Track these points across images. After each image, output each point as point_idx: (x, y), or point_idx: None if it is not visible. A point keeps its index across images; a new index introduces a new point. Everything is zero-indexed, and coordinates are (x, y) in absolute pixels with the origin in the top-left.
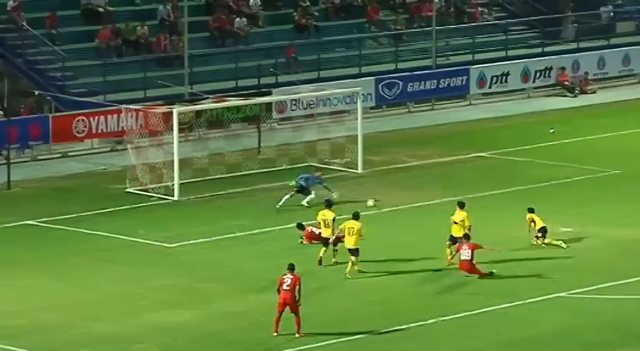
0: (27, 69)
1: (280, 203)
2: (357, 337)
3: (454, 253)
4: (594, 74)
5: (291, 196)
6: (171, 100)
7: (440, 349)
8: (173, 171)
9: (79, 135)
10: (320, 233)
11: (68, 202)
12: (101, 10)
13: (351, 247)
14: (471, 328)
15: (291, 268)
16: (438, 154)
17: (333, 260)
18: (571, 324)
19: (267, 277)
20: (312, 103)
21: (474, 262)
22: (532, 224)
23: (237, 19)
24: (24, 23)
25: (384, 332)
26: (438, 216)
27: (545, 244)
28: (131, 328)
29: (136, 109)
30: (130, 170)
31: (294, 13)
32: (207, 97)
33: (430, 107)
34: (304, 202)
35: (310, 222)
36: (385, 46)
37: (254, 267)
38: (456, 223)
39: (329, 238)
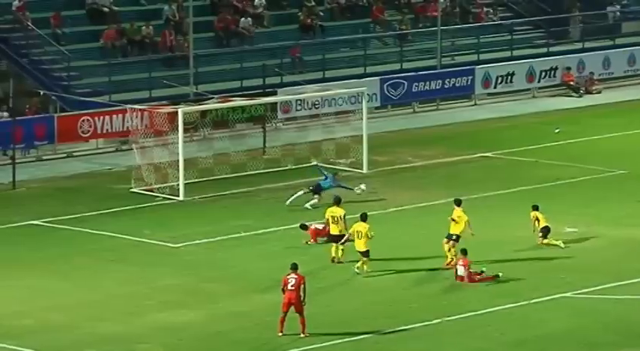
0: (32, 69)
1: (292, 199)
2: (361, 337)
3: (452, 258)
4: (599, 74)
5: (304, 193)
6: (176, 100)
7: (444, 349)
8: (178, 171)
9: (84, 135)
10: (324, 228)
11: (73, 202)
12: (106, 9)
13: (361, 250)
14: (475, 328)
15: (295, 267)
16: (443, 154)
17: (337, 259)
18: (576, 324)
19: (271, 277)
20: (317, 103)
21: (472, 276)
22: (536, 223)
23: (243, 19)
24: (29, 23)
25: (389, 332)
26: (443, 216)
27: (544, 244)
28: (136, 328)
29: (141, 109)
30: (135, 170)
31: (300, 13)
32: (213, 97)
33: (435, 107)
34: (307, 205)
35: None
36: (390, 46)
37: (259, 267)
38: (453, 219)
39: (338, 236)
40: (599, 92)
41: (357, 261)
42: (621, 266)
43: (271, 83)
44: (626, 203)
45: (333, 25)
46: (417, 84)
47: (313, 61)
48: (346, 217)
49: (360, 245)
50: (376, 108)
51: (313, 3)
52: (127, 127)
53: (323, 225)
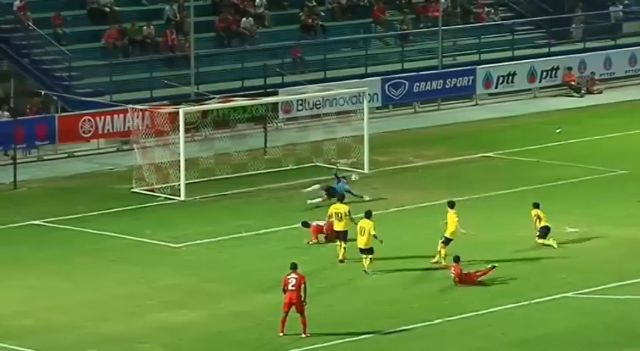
0: (33, 69)
1: (309, 189)
2: (363, 337)
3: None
4: (601, 74)
5: (320, 189)
6: (177, 100)
7: (446, 349)
8: (179, 171)
9: (85, 135)
10: (324, 225)
11: (74, 202)
12: (107, 9)
13: (363, 246)
14: (477, 328)
15: (294, 267)
16: (444, 154)
17: (340, 257)
18: (577, 324)
19: (273, 277)
20: (318, 103)
21: (470, 277)
22: (538, 221)
23: (244, 19)
24: (30, 23)
25: (390, 332)
26: (444, 216)
27: (539, 243)
28: (137, 328)
29: (142, 109)
30: (136, 170)
31: (301, 13)
32: (214, 97)
33: (436, 107)
34: (310, 202)
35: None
36: (391, 46)
37: (260, 267)
38: (447, 223)
39: (342, 231)
40: (601, 92)
41: (359, 260)
42: (622, 266)
43: (272, 83)
44: (628, 203)
45: (334, 25)
46: (418, 84)
47: (314, 61)
48: (351, 213)
49: (362, 242)
50: (377, 108)
51: (314, 3)
52: (128, 127)
53: (325, 222)
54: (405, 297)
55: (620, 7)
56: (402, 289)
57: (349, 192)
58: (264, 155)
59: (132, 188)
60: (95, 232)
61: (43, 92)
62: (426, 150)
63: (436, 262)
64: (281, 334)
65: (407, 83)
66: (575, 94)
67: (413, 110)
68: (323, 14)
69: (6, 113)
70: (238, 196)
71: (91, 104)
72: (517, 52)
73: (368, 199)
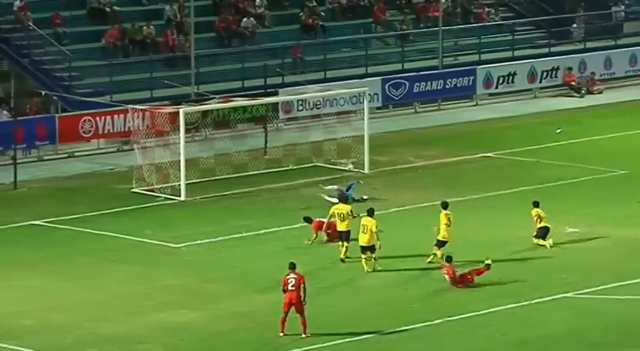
0: (33, 69)
1: (328, 188)
2: (363, 337)
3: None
4: (601, 74)
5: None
6: (177, 100)
7: (446, 349)
8: (179, 171)
9: (85, 135)
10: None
11: (74, 202)
12: (107, 9)
13: (365, 244)
14: (477, 329)
15: (293, 267)
16: (445, 154)
17: (342, 255)
18: (577, 324)
19: (273, 277)
20: (318, 103)
21: (464, 278)
22: (538, 222)
23: (246, 19)
24: (30, 23)
25: (391, 332)
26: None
27: (536, 244)
28: (137, 328)
29: (142, 110)
30: (136, 170)
31: (301, 14)
32: (214, 98)
33: (436, 107)
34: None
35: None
36: (392, 47)
37: (260, 267)
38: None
39: (345, 232)
40: (601, 92)
41: (358, 260)
42: (623, 266)
43: (273, 83)
44: (628, 203)
45: (334, 25)
46: (418, 84)
47: (315, 61)
48: (353, 212)
49: (364, 240)
50: (377, 108)
51: (314, 3)
52: (129, 128)
53: (326, 220)
54: (405, 297)
55: (622, 7)
56: (403, 289)
57: (352, 198)
58: (264, 155)
59: (132, 188)
60: (95, 232)
61: (43, 92)
62: (426, 150)
63: (431, 262)
64: (281, 334)
65: (407, 83)
66: (575, 94)
67: (413, 110)
68: (323, 14)
69: (5, 112)
70: (238, 197)
71: (92, 104)
72: (517, 52)
73: (366, 197)
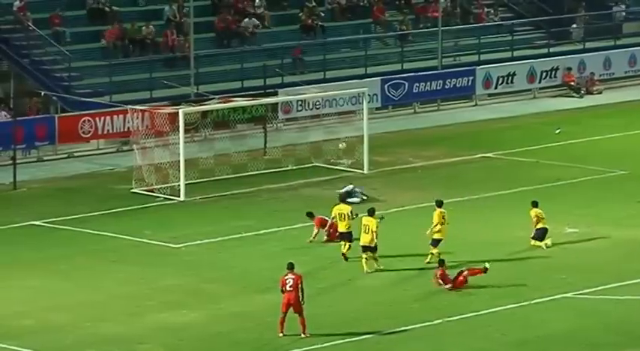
0: (33, 69)
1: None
2: (363, 337)
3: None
4: (600, 75)
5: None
6: (177, 100)
7: (446, 349)
8: (179, 171)
9: (85, 135)
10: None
11: (74, 202)
12: (107, 10)
13: (367, 244)
14: (477, 329)
15: (291, 267)
16: (444, 154)
17: (343, 250)
18: (577, 324)
19: (272, 277)
20: (318, 103)
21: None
22: (537, 222)
23: (246, 19)
24: (30, 23)
25: (390, 333)
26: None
27: (533, 245)
28: (137, 328)
29: (142, 110)
30: (135, 171)
31: (301, 14)
32: (213, 98)
33: (436, 108)
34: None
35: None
36: (391, 47)
37: (260, 267)
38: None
39: (346, 233)
40: (600, 93)
41: (358, 260)
42: (622, 267)
43: (272, 84)
44: (627, 204)
45: (333, 25)
46: (417, 84)
47: (314, 62)
48: (353, 213)
49: (366, 239)
50: (377, 108)
51: (314, 3)
52: (128, 128)
53: (329, 219)
54: (405, 297)
55: (623, 6)
56: (402, 289)
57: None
58: (263, 156)
59: (132, 189)
60: (95, 232)
61: (42, 93)
62: (425, 150)
63: (429, 262)
64: (280, 334)
65: (406, 84)
66: (574, 94)
67: (412, 111)
68: (323, 15)
69: (4, 113)
70: (238, 197)
71: (91, 105)
72: (517, 53)
73: (365, 197)
